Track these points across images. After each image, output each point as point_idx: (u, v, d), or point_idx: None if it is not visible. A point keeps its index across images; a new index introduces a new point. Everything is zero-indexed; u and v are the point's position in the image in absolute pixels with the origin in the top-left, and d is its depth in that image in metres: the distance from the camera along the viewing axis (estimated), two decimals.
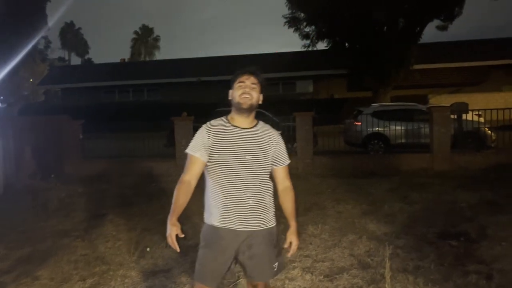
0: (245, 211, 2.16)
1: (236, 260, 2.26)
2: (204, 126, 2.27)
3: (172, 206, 2.19)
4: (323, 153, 10.37)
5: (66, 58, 56.31)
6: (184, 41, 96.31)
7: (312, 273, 3.82)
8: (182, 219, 5.18)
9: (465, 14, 19.48)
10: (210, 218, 2.23)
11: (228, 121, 2.26)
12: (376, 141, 12.00)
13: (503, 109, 10.17)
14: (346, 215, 5.73)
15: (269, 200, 2.25)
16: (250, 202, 2.16)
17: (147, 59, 51.76)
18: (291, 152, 10.16)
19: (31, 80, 37.35)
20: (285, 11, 21.40)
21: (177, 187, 2.21)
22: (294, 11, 21.25)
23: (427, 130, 10.26)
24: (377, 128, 11.97)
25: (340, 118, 18.18)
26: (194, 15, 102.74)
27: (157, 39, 55.37)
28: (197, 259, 2.33)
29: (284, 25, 21.74)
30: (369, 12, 18.33)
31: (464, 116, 10.90)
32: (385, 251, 4.21)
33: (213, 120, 2.28)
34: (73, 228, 5.51)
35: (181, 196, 2.18)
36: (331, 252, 4.36)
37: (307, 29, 21.65)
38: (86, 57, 56.30)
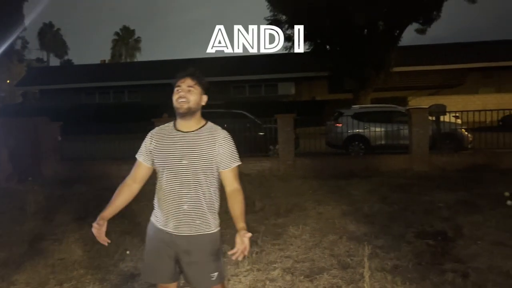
0: (179, 216, 2.16)
1: (178, 265, 2.26)
2: (150, 131, 2.30)
3: (108, 205, 2.28)
4: (305, 154, 10.43)
5: (45, 59, 55.36)
6: (166, 43, 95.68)
7: (292, 274, 3.84)
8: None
9: (444, 17, 19.88)
10: (153, 216, 2.30)
11: (173, 125, 2.25)
12: (356, 142, 12.13)
13: (480, 110, 10.40)
14: (326, 216, 5.77)
15: (209, 205, 2.19)
16: (185, 207, 2.14)
17: (128, 60, 51.22)
18: (273, 154, 10.30)
19: (8, 81, 36.57)
20: (267, 13, 21.49)
21: (118, 188, 2.30)
22: (275, 13, 21.35)
23: (406, 131, 10.42)
24: (357, 130, 12.10)
25: (322, 120, 18.35)
26: (176, 17, 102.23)
27: (138, 40, 54.84)
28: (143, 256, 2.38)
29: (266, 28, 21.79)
30: (349, 15, 18.55)
31: (442, 118, 11.12)
32: (364, 251, 4.27)
33: (162, 125, 2.30)
34: (50, 232, 5.41)
35: (118, 197, 2.29)
36: (311, 252, 4.39)
37: (288, 32, 21.79)
38: (66, 58, 55.42)
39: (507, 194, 6.28)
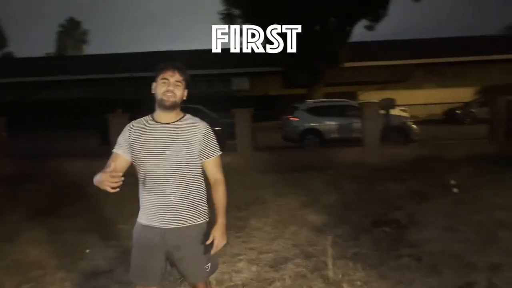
0: (167, 208, 2.14)
1: (169, 261, 2.26)
2: (127, 124, 2.26)
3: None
4: (262, 148, 10.55)
5: None
6: (115, 37, 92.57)
7: (257, 265, 3.91)
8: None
9: (391, 15, 20.71)
10: (139, 217, 2.25)
11: (152, 117, 2.24)
12: (311, 136, 12.42)
13: (424, 104, 10.97)
14: (286, 207, 5.89)
15: (195, 195, 2.21)
16: (172, 198, 2.13)
17: (74, 53, 49.13)
18: (230, 148, 10.32)
19: None
20: (220, 7, 21.41)
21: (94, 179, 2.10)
22: (229, 8, 21.32)
23: (358, 125, 10.81)
24: (312, 124, 12.39)
25: (276, 114, 18.58)
26: (125, 10, 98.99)
27: (85, 33, 52.76)
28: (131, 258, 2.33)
29: (219, 22, 21.74)
30: (301, 11, 18.85)
31: (391, 112, 11.62)
32: (325, 240, 4.42)
33: (138, 119, 2.27)
34: (1, 232, 5.14)
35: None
36: (274, 243, 4.48)
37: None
38: (5, 50, 52.22)
39: (452, 182, 6.68)
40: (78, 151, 10.92)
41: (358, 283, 3.46)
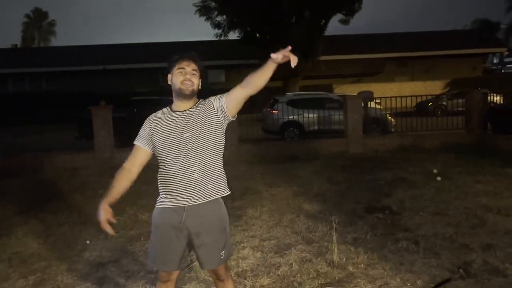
0: (191, 185, 2.19)
1: (189, 246, 2.32)
2: (148, 117, 2.34)
3: (108, 190, 2.25)
4: (245, 140, 10.60)
5: None
6: (84, 28, 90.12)
7: (261, 251, 4.00)
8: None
9: (365, 9, 21.08)
10: (161, 203, 2.29)
11: (170, 108, 2.31)
12: (291, 128, 12.58)
13: (398, 97, 11.29)
14: (280, 197, 6.01)
15: (217, 169, 2.26)
16: (195, 175, 2.18)
17: (42, 45, 47.61)
18: None
19: None
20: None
21: (117, 173, 2.29)
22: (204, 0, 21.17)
23: (337, 117, 11.04)
24: (292, 116, 12.52)
25: (253, 107, 18.68)
26: (94, 0, 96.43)
27: (52, 24, 51.16)
28: (149, 244, 2.38)
29: (195, 14, 21.58)
30: (277, 3, 18.94)
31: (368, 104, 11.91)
32: (324, 227, 4.56)
33: (156, 112, 2.34)
34: None
35: (118, 182, 2.26)
36: (274, 231, 4.58)
37: (218, 18, 21.75)
38: None
39: (435, 171, 6.98)
40: (55, 145, 10.65)
41: (362, 265, 3.60)
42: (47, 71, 26.39)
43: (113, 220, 2.22)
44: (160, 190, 2.30)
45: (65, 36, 73.62)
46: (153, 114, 2.33)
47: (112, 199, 2.23)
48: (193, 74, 2.23)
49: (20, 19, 53.12)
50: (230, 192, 2.34)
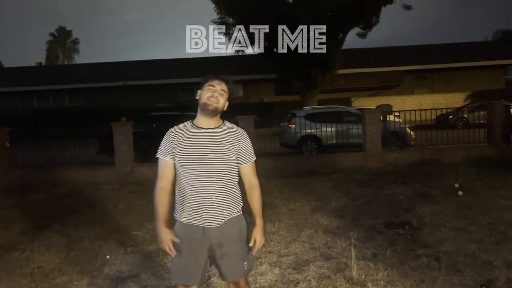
0: (208, 207, 2.24)
1: (210, 260, 2.35)
2: (170, 129, 2.37)
3: (157, 214, 2.31)
4: (261, 155, 10.60)
5: None
6: (106, 45, 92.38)
7: (280, 267, 3.98)
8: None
9: (383, 22, 21.06)
10: (179, 216, 2.33)
11: (192, 123, 2.35)
12: (309, 142, 12.54)
13: (420, 110, 11.15)
14: (298, 212, 5.98)
15: (234, 195, 2.33)
16: (214, 198, 2.24)
17: (66, 62, 48.95)
18: None
19: None
20: (213, 15, 21.57)
21: (155, 194, 2.33)
22: (223, 16, 21.47)
23: (355, 131, 10.98)
24: (310, 130, 12.50)
25: (271, 121, 18.71)
26: (115, 18, 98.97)
27: (76, 42, 52.59)
28: (171, 258, 2.42)
29: (213, 30, 21.86)
30: (295, 19, 19.08)
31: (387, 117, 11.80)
32: (342, 242, 4.52)
33: (179, 125, 2.38)
34: (17, 241, 5.14)
35: (162, 203, 2.31)
36: (292, 246, 4.56)
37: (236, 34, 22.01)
38: None
39: (456, 185, 6.85)
40: (76, 160, 10.85)
41: (382, 282, 3.55)
42: (70, 88, 27.05)
43: (176, 240, 2.28)
44: (177, 202, 2.34)
45: (88, 53, 75.55)
46: (175, 127, 2.36)
47: (164, 220, 2.29)
48: (221, 93, 2.30)
49: (45, 38, 54.60)
50: (241, 213, 2.40)
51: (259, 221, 2.40)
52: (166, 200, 2.31)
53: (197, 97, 2.34)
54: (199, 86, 2.35)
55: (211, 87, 2.29)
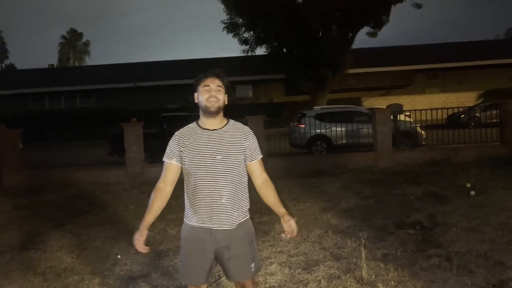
0: (219, 210, 2.24)
1: (217, 261, 2.35)
2: (175, 133, 2.36)
3: (146, 213, 2.30)
4: (271, 155, 10.60)
5: None
6: (116, 46, 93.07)
7: (289, 267, 3.98)
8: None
9: (393, 21, 20.92)
10: (188, 218, 2.33)
11: (197, 125, 2.33)
12: (319, 142, 12.49)
13: (431, 109, 11.05)
14: (307, 212, 5.98)
15: (243, 196, 2.33)
16: (223, 200, 2.23)
17: (77, 64, 49.45)
18: None
19: None
20: (223, 16, 21.65)
21: (152, 193, 2.32)
22: (232, 16, 21.53)
23: (365, 130, 10.92)
24: (319, 130, 12.45)
25: (281, 121, 18.68)
26: (127, 20, 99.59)
27: (87, 44, 53.08)
28: (179, 259, 2.43)
29: (223, 31, 21.97)
30: (304, 19, 19.06)
31: (398, 117, 11.72)
32: (352, 242, 4.50)
33: (184, 127, 2.37)
34: (29, 241, 5.22)
35: (154, 202, 2.29)
36: (302, 246, 4.55)
37: (246, 35, 22.07)
38: (7, 62, 52.48)
39: (468, 185, 6.76)
40: (87, 161, 10.95)
41: (392, 283, 3.52)
42: (81, 89, 27.31)
43: (147, 249, 2.28)
44: (187, 206, 2.34)
45: (99, 55, 76.22)
46: (181, 129, 2.36)
47: (148, 222, 2.28)
48: (218, 90, 2.27)
49: (56, 40, 55.23)
50: (249, 216, 2.41)
51: (282, 210, 2.39)
52: (160, 200, 2.29)
53: (196, 101, 2.33)
54: (194, 88, 2.33)
55: (207, 87, 2.26)
